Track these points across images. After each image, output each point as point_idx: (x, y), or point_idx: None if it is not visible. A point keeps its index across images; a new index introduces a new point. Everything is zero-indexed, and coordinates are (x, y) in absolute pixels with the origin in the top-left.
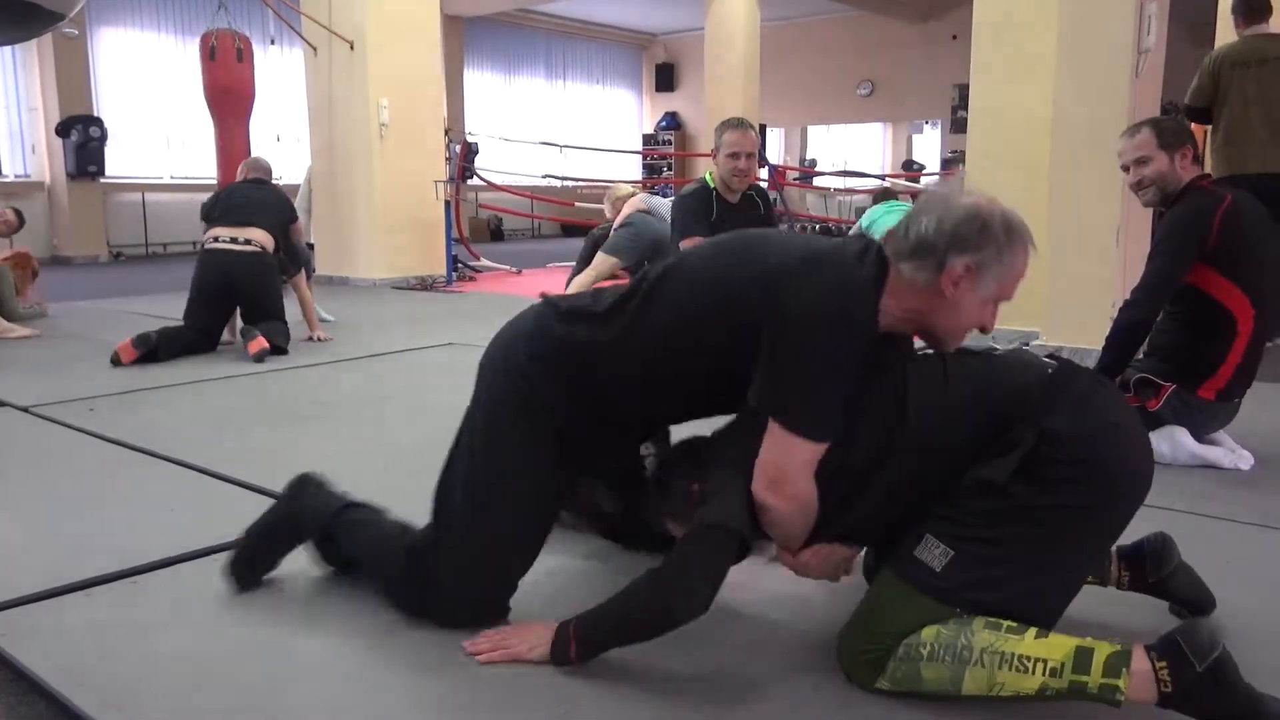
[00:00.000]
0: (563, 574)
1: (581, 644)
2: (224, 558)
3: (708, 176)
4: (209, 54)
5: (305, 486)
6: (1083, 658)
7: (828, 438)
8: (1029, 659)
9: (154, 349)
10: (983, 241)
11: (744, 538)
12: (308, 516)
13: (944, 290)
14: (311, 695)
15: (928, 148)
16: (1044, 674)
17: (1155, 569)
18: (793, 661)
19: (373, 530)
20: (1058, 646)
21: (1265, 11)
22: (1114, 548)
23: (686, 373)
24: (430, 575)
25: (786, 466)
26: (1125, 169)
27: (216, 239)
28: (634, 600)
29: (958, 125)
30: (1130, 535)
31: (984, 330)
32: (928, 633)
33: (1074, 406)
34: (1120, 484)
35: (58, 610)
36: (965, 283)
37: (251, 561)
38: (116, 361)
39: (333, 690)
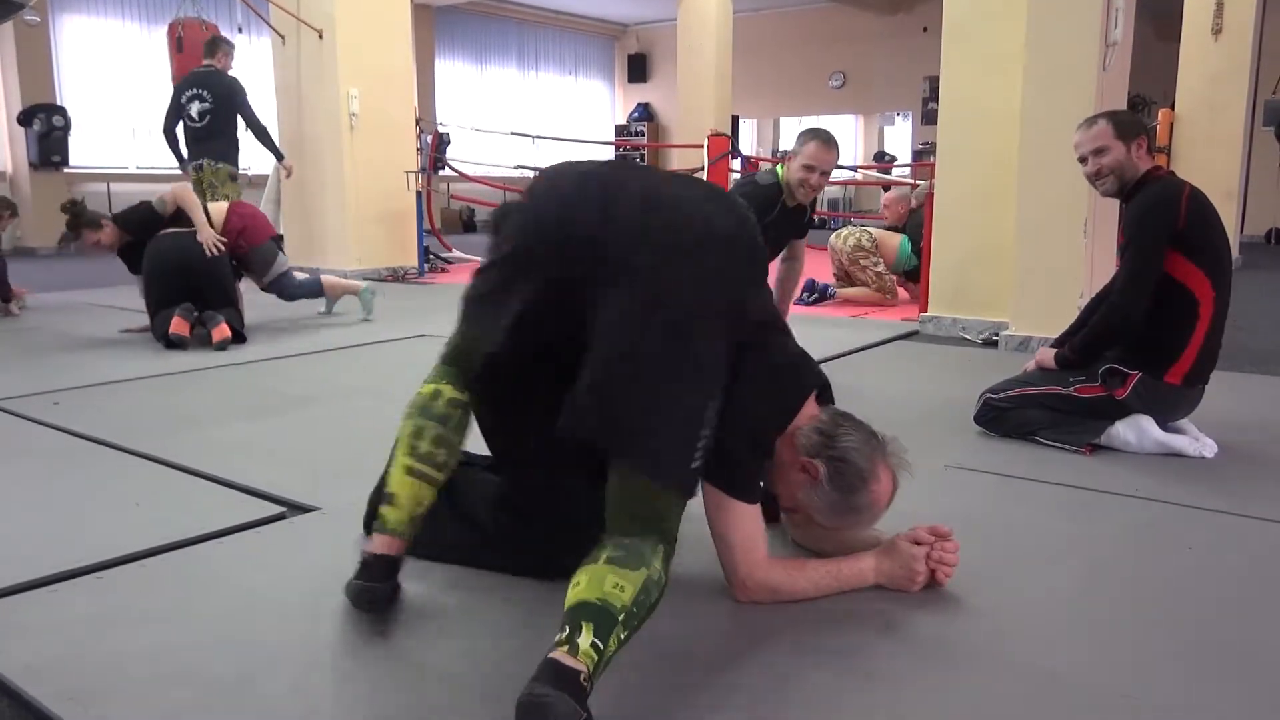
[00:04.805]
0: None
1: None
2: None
3: (779, 172)
4: (176, 44)
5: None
6: None
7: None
8: None
9: (200, 317)
10: (841, 472)
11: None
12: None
13: (803, 463)
14: (282, 686)
15: (899, 139)
16: None
17: None
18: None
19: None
20: None
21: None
22: None
23: None
24: None
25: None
26: (1083, 160)
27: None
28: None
29: (929, 117)
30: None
31: (786, 506)
32: None
33: None
34: None
35: (21, 606)
36: (810, 471)
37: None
38: (182, 343)
39: (303, 680)
